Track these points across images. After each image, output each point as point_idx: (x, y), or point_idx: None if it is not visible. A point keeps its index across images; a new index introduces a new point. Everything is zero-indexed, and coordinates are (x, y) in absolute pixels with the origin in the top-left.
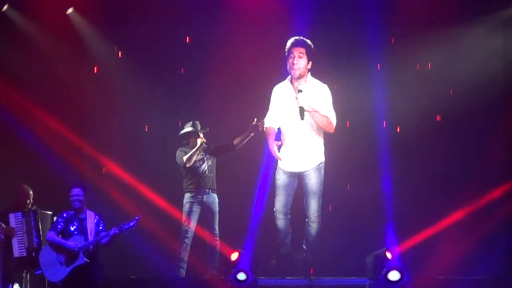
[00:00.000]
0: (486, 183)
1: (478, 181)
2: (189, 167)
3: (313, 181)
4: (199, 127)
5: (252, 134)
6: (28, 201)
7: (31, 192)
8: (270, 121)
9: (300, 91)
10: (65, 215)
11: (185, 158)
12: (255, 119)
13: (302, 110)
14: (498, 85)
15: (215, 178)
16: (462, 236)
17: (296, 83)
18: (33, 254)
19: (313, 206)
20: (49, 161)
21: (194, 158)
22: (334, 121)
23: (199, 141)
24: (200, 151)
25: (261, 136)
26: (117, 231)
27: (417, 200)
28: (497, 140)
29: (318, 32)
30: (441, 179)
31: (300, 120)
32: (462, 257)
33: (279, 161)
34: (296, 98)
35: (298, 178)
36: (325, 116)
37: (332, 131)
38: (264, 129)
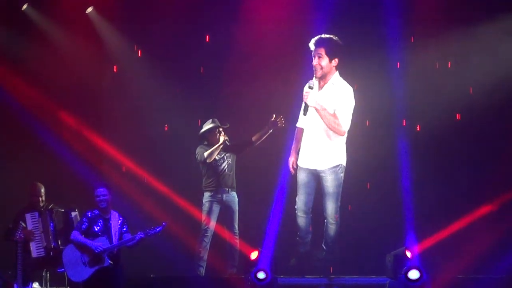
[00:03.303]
0: (506, 182)
1: (498, 180)
2: (209, 165)
3: (329, 183)
4: (218, 123)
5: (271, 130)
6: (40, 199)
7: (42, 190)
8: (299, 120)
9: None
10: (89, 215)
11: (206, 154)
12: (274, 115)
13: (306, 106)
14: None
15: (235, 177)
16: (483, 235)
17: (320, 81)
18: (51, 253)
19: (330, 208)
20: (69, 160)
21: (215, 154)
22: (344, 124)
23: (221, 138)
24: (217, 152)
25: (283, 134)
26: (143, 236)
27: (437, 199)
28: None
29: (338, 31)
30: (461, 178)
31: (319, 119)
32: (482, 256)
33: (299, 159)
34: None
35: (317, 178)
36: (334, 117)
37: (341, 134)
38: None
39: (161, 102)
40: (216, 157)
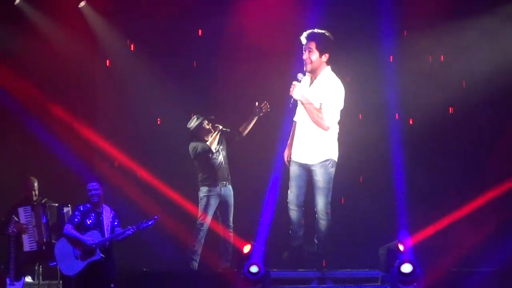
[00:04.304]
0: (499, 175)
1: (491, 173)
2: (205, 160)
3: (319, 177)
4: (202, 117)
5: (256, 117)
6: (34, 193)
7: (35, 184)
8: (296, 114)
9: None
10: (81, 208)
11: (208, 142)
12: (257, 103)
13: (292, 99)
14: (511, 75)
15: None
16: (475, 229)
17: (311, 75)
18: (43, 247)
19: (320, 203)
20: (61, 154)
21: (215, 145)
22: (328, 119)
23: (217, 126)
24: (216, 141)
25: (277, 127)
26: (134, 229)
27: (430, 192)
28: (510, 132)
29: (331, 25)
30: (454, 171)
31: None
32: (475, 249)
33: (292, 152)
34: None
35: (308, 172)
36: (318, 111)
37: (324, 129)
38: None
39: (154, 96)
40: (213, 151)
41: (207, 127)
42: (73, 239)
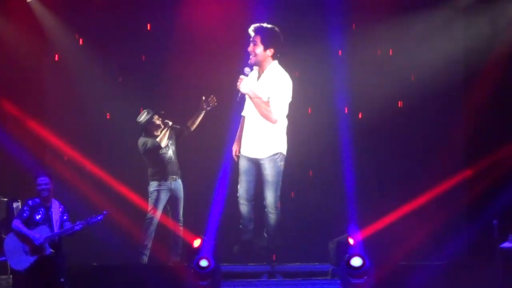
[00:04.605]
0: (448, 169)
1: (440, 166)
2: (155, 154)
3: (268, 171)
4: (152, 112)
5: (204, 112)
6: None
7: None
8: (244, 109)
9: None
10: (30, 203)
11: (158, 139)
12: (203, 97)
13: (239, 93)
14: (459, 71)
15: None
16: (426, 222)
17: (258, 70)
18: None
19: (269, 196)
20: (10, 149)
21: (165, 140)
22: (276, 112)
23: (165, 122)
24: (166, 137)
25: (226, 122)
26: (83, 225)
27: (380, 186)
28: (458, 126)
29: (279, 18)
30: (403, 164)
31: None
32: (425, 242)
33: (241, 146)
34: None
35: (257, 166)
36: (266, 104)
37: (273, 122)
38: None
39: (103, 91)
40: (162, 146)
41: (157, 122)
42: (21, 235)
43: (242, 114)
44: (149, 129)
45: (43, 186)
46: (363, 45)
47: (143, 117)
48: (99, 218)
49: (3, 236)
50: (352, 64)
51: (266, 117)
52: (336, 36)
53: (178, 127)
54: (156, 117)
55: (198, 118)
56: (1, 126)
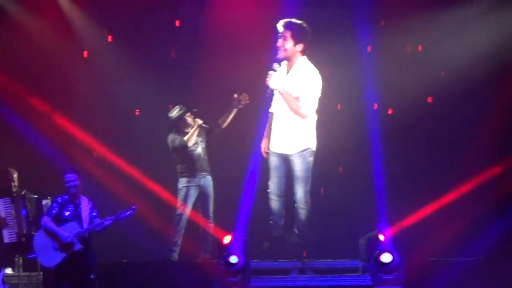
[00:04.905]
0: (478, 165)
1: (470, 162)
2: (184, 151)
3: (297, 167)
4: (185, 108)
5: (236, 109)
6: (13, 184)
7: (15, 175)
8: (272, 105)
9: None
10: (59, 200)
11: (185, 138)
12: (235, 95)
13: (269, 89)
14: (490, 67)
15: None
16: (455, 218)
17: (287, 65)
18: (23, 239)
19: (299, 192)
20: (40, 146)
21: (195, 137)
22: (306, 108)
23: (196, 121)
24: (195, 136)
25: (255, 118)
26: (112, 220)
27: (410, 182)
28: (489, 122)
29: (308, 14)
30: (433, 160)
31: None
32: (455, 239)
33: (270, 143)
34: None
35: (287, 162)
36: (296, 100)
37: (303, 117)
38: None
39: (132, 87)
40: (190, 145)
41: (189, 119)
42: (50, 232)
43: (270, 110)
44: (179, 125)
45: (70, 183)
46: (392, 41)
47: (174, 112)
48: (128, 213)
49: (33, 233)
50: (381, 60)
51: (296, 112)
52: (365, 32)
53: (208, 127)
54: (188, 114)
55: (229, 116)
56: (31, 123)
